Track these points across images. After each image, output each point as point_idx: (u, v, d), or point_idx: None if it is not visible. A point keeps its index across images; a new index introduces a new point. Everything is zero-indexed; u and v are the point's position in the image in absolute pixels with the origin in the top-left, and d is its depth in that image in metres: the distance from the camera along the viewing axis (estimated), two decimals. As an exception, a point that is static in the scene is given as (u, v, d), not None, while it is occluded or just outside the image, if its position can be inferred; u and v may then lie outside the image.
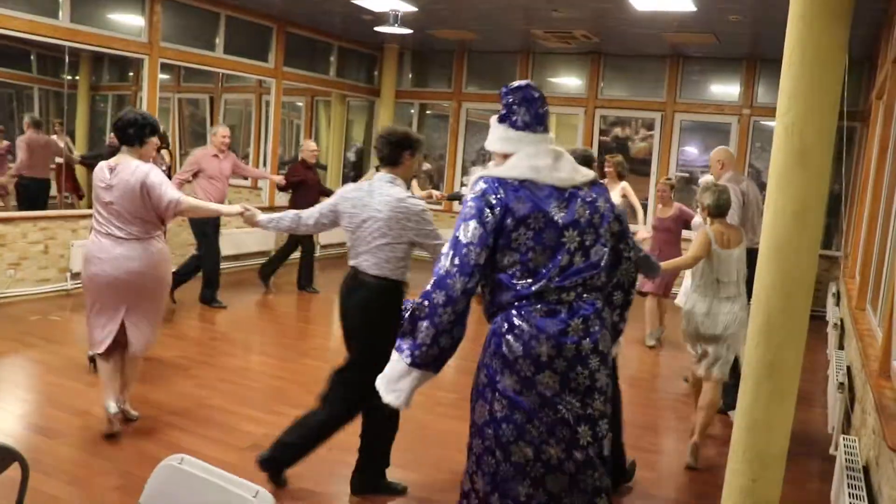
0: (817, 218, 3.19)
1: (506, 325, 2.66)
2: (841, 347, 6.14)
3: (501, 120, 2.83)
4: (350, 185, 3.80)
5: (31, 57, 11.01)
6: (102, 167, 4.19)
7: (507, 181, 2.67)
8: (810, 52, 3.04)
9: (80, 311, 7.18)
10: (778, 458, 3.25)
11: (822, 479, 4.36)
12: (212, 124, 12.31)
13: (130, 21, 8.28)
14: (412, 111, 12.48)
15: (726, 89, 10.46)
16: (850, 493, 2.98)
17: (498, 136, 2.82)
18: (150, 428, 4.46)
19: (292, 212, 3.93)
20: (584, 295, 2.68)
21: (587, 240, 2.70)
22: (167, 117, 12.07)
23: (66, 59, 8.22)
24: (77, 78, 11.37)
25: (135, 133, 4.20)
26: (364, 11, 8.85)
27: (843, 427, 4.64)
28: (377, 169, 3.74)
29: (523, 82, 2.91)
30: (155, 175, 4.15)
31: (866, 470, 3.36)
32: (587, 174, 2.81)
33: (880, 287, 4.92)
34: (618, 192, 8.37)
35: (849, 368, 5.04)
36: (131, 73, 11.85)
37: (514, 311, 2.65)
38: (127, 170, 4.11)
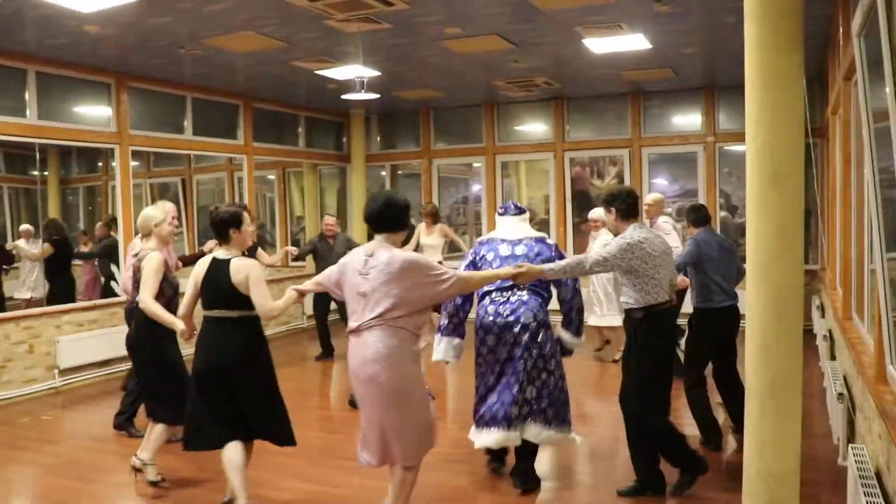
0: (797, 235, 3.29)
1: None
2: (833, 358, 6.22)
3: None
4: (642, 232, 4.32)
5: (-1, 156, 11.03)
6: (359, 253, 3.78)
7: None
8: (770, 78, 3.18)
9: (71, 408, 7.10)
10: (791, 475, 3.28)
11: (835, 491, 4.37)
12: (185, 206, 12.33)
13: (97, 112, 8.36)
14: (383, 173, 12.63)
15: (688, 119, 10.74)
16: (867, 502, 3.00)
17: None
18: (193, 497, 4.39)
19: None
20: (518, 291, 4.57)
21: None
22: (141, 204, 12.08)
23: (37, 156, 8.24)
24: (46, 173, 11.40)
25: (396, 215, 3.78)
26: (329, 81, 9.03)
27: (848, 436, 4.67)
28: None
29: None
30: (418, 256, 3.86)
31: (878, 476, 3.38)
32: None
33: (863, 296, 5.02)
34: (437, 232, 9.24)
35: (845, 378, 5.09)
36: (100, 164, 11.90)
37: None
38: (385, 255, 3.67)
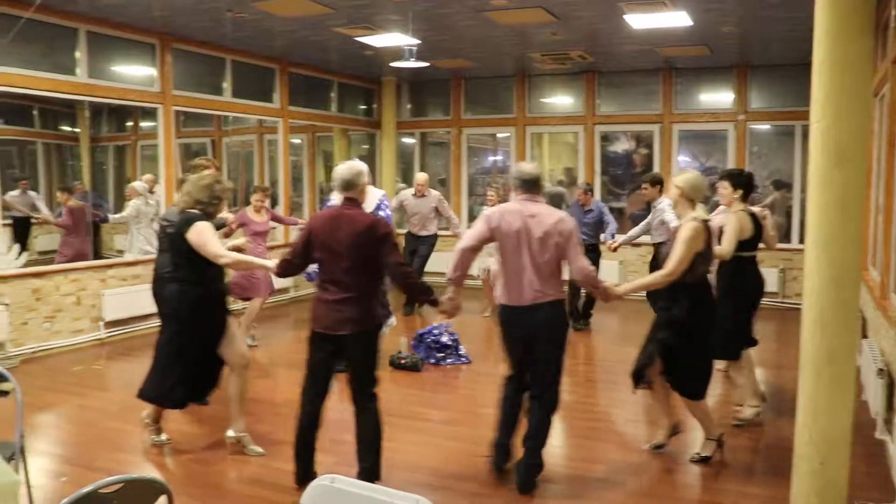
0: (857, 211, 3.43)
1: None
2: (865, 336, 6.36)
3: None
4: None
5: (34, 112, 11.18)
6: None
7: None
8: (840, 62, 3.29)
9: (117, 359, 7.34)
10: (843, 441, 3.46)
11: (871, 463, 4.58)
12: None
13: (141, 72, 8.49)
14: (412, 140, 12.75)
15: (719, 97, 10.78)
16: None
17: None
18: (220, 461, 4.59)
19: None
20: None
21: None
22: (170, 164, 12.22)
23: (87, 114, 8.40)
24: (77, 130, 11.55)
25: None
26: (366, 48, 9.11)
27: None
28: None
29: None
30: None
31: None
32: None
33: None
34: (266, 215, 7.62)
35: (882, 354, 5.24)
36: (129, 123, 12.05)
37: None
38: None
